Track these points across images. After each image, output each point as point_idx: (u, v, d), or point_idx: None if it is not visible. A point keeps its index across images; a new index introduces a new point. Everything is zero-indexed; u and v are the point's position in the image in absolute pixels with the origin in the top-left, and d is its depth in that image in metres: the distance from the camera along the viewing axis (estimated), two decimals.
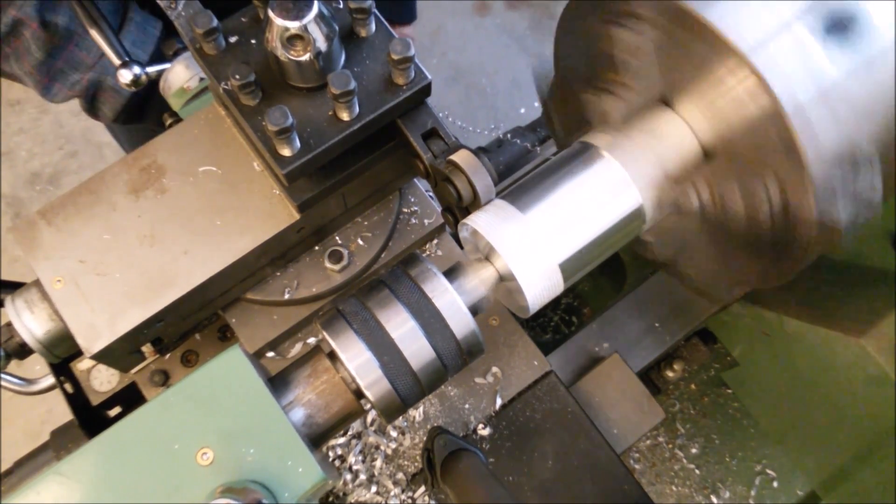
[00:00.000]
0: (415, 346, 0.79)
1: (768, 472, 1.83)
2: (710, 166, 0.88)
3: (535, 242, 0.82)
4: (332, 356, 0.81)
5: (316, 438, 0.80)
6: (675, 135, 0.86)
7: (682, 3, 0.75)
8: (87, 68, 1.32)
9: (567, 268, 0.84)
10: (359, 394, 0.80)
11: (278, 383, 0.81)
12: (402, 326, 0.79)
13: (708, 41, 0.75)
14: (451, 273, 0.86)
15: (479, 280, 0.85)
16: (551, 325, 2.20)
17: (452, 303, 0.81)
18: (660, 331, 1.49)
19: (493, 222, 0.84)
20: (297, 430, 0.76)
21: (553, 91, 1.07)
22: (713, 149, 0.86)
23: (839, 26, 0.74)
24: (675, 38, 0.81)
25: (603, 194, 0.85)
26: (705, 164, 0.88)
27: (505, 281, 0.85)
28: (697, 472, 1.87)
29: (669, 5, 0.77)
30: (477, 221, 0.85)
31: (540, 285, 0.83)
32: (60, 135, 3.56)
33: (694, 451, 1.89)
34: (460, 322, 0.81)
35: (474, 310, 0.84)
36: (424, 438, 1.20)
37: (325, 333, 0.80)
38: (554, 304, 2.16)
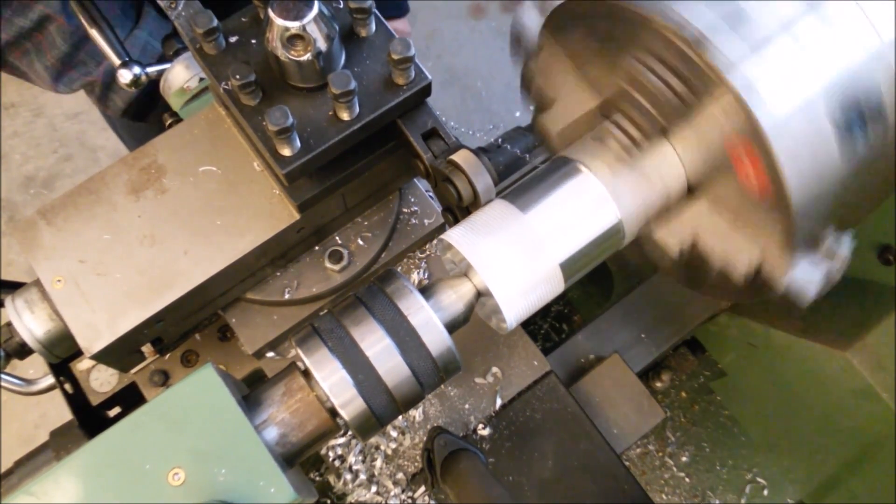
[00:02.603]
0: (389, 365, 0.78)
1: (759, 480, 1.83)
2: (693, 208, 0.88)
3: (512, 258, 0.81)
4: (307, 374, 0.80)
5: (290, 457, 0.80)
6: (665, 164, 0.85)
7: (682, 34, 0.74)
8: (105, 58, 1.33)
9: (547, 284, 0.83)
10: (333, 412, 0.79)
11: (252, 402, 0.80)
12: (377, 344, 0.78)
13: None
14: (428, 289, 0.85)
15: (457, 296, 0.84)
16: (541, 332, 2.20)
17: (428, 320, 0.80)
18: (646, 341, 1.49)
19: (469, 238, 0.82)
20: (270, 449, 0.75)
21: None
22: (698, 185, 0.86)
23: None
24: (599, 56, 0.82)
25: (582, 210, 0.84)
26: (689, 202, 0.88)
27: (483, 297, 0.84)
28: (688, 480, 1.87)
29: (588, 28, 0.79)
30: (453, 237, 0.83)
31: (518, 302, 0.82)
32: (55, 138, 3.55)
33: (684, 459, 1.88)
34: (436, 340, 0.80)
35: (451, 326, 0.83)
36: (424, 438, 1.20)
37: (299, 351, 0.79)
38: (544, 311, 2.17)
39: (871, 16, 0.74)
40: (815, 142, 0.73)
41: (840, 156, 0.75)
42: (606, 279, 1.92)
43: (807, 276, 0.80)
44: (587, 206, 0.84)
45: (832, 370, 1.26)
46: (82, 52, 1.32)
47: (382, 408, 0.79)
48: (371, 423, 0.79)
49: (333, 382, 0.77)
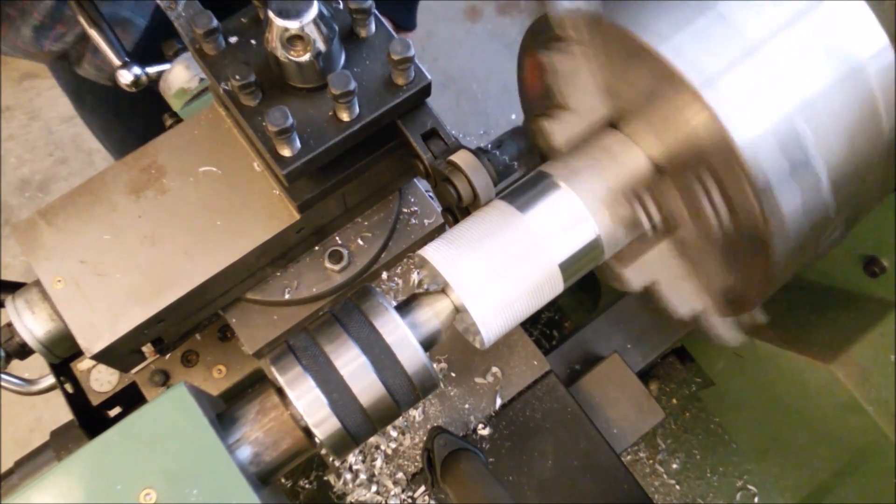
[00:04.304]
0: (364, 383, 0.77)
1: (749, 487, 1.81)
2: (658, 251, 0.88)
3: (490, 275, 0.80)
4: (281, 392, 0.79)
5: (265, 476, 0.79)
6: (628, 157, 0.85)
7: (636, 35, 0.74)
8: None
9: (525, 300, 0.83)
10: (308, 431, 0.79)
11: (226, 420, 0.79)
12: (351, 363, 0.77)
13: (659, 73, 0.73)
14: (405, 306, 0.84)
15: (434, 313, 0.83)
16: (531, 339, 2.18)
17: (403, 338, 0.79)
18: (632, 351, 1.48)
19: (446, 254, 0.82)
20: (243, 469, 0.74)
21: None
22: (663, 164, 0.85)
23: None
24: (621, 64, 0.80)
25: (560, 226, 0.83)
26: (654, 242, 0.88)
27: (462, 313, 0.83)
28: (678, 487, 1.85)
29: (618, 33, 0.76)
30: (429, 252, 0.83)
31: (495, 318, 0.81)
32: (50, 141, 3.54)
33: (675, 466, 1.87)
34: (411, 358, 0.79)
35: (427, 343, 0.83)
36: (424, 438, 1.20)
37: (273, 369, 0.78)
38: (534, 318, 2.17)
39: (849, 30, 0.75)
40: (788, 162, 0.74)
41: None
42: (595, 288, 1.92)
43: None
44: (567, 222, 0.84)
45: (817, 382, 1.26)
46: (68, 7, 1.27)
47: (357, 426, 0.78)
48: (346, 442, 0.79)
49: (307, 401, 0.76)
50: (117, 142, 1.87)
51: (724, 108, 0.70)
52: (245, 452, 0.78)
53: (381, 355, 0.78)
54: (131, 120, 1.75)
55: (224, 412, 0.81)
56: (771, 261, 0.77)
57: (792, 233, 0.75)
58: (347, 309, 0.81)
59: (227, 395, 1.25)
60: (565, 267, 0.84)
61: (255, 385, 1.27)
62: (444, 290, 0.83)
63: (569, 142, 0.93)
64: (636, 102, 0.82)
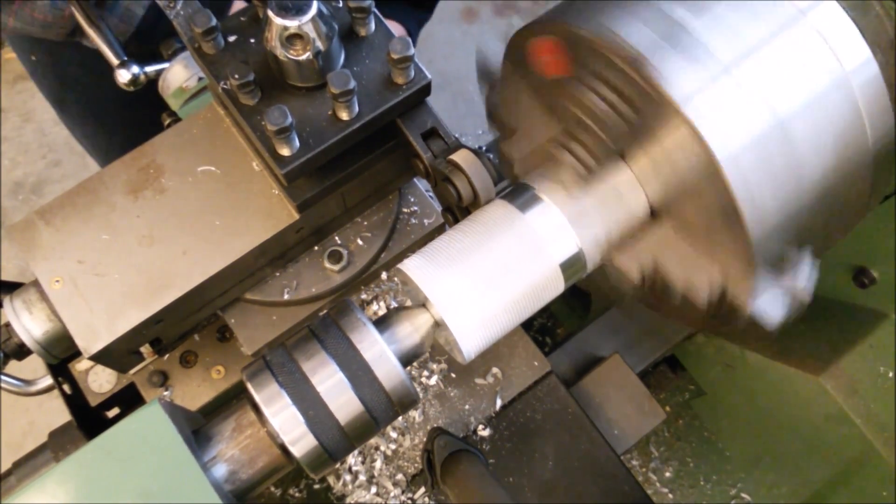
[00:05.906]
0: (341, 400, 0.76)
1: (743, 496, 1.80)
2: (655, 232, 0.87)
3: (469, 290, 0.80)
4: (258, 409, 0.78)
5: (241, 494, 0.78)
6: (625, 187, 0.84)
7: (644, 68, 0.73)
8: None
9: (506, 315, 0.83)
10: (285, 448, 0.77)
11: (202, 437, 0.78)
12: (328, 379, 0.77)
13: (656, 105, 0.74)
14: (385, 321, 0.83)
15: (414, 327, 0.82)
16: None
17: (381, 354, 0.78)
18: (625, 360, 1.48)
19: (425, 269, 0.81)
20: (219, 486, 0.74)
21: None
22: (660, 209, 0.85)
23: None
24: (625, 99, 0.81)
25: (542, 239, 0.83)
26: (651, 226, 0.87)
27: (442, 327, 0.82)
28: (671, 496, 1.84)
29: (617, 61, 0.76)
30: (409, 266, 0.82)
31: (475, 333, 0.81)
32: (44, 143, 3.53)
33: (668, 474, 1.86)
34: (389, 374, 0.78)
35: (407, 359, 0.82)
36: (424, 439, 1.20)
37: (248, 385, 0.77)
38: (526, 324, 2.16)
39: (832, 43, 0.74)
40: (770, 169, 0.73)
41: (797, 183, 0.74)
42: (585, 294, 1.92)
43: (772, 302, 0.80)
44: (547, 235, 0.83)
45: (807, 394, 1.26)
46: None
47: (335, 444, 0.78)
48: (323, 460, 0.78)
49: (283, 419, 0.75)
50: (102, 150, 1.85)
51: (704, 123, 0.70)
52: (220, 470, 0.77)
53: (358, 371, 0.77)
54: (113, 123, 1.73)
55: (200, 429, 0.80)
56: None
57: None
58: (325, 324, 0.80)
59: (226, 396, 1.25)
60: (545, 283, 0.84)
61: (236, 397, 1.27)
62: (424, 304, 0.83)
63: (526, 158, 0.95)
64: (636, 133, 0.82)
